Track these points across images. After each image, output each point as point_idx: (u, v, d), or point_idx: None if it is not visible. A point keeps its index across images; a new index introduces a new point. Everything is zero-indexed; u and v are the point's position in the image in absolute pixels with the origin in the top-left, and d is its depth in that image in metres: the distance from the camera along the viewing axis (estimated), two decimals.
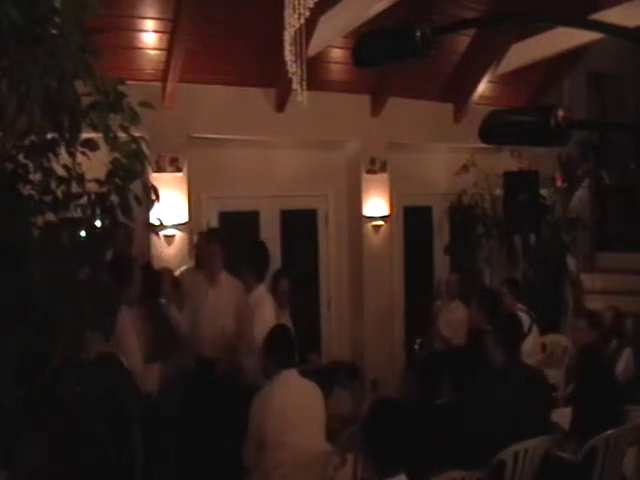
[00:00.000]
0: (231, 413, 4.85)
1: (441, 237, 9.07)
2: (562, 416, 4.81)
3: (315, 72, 6.21)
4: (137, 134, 2.96)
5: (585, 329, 5.01)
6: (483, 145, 3.46)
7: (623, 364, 5.84)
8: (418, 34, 1.93)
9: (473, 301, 6.22)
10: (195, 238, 6.38)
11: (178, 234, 6.66)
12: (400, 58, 2.20)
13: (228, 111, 6.91)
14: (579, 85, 9.39)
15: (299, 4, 4.53)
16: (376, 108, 7.93)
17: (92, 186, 2.92)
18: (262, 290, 5.47)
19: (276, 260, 6.95)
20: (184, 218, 6.69)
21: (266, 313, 5.32)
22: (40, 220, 2.82)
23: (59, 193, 2.86)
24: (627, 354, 5.96)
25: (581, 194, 9.19)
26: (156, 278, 5.31)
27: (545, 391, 4.68)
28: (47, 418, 2.86)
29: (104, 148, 2.87)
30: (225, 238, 5.89)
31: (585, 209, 9.27)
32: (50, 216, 2.85)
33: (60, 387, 2.81)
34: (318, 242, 8.12)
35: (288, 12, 4.61)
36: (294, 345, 4.50)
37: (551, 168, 8.93)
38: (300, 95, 4.94)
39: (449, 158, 8.82)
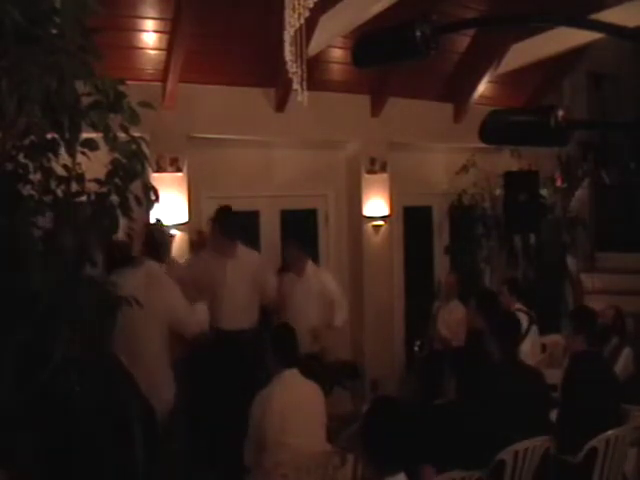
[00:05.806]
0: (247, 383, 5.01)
1: (441, 237, 9.06)
2: None
3: (315, 72, 6.21)
4: (137, 134, 2.96)
5: (570, 332, 4.97)
6: (483, 145, 3.46)
7: (622, 364, 5.84)
8: (418, 34, 1.92)
9: (472, 301, 6.22)
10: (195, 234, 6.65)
11: (178, 234, 6.65)
12: (400, 58, 2.19)
13: (228, 111, 6.91)
14: (579, 85, 9.39)
15: (299, 4, 4.51)
16: (376, 108, 7.92)
17: (92, 186, 2.92)
18: (312, 264, 6.60)
19: (276, 260, 6.96)
20: (184, 218, 6.68)
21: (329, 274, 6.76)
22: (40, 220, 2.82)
23: (59, 193, 2.86)
24: (627, 353, 5.96)
25: (581, 194, 9.19)
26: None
27: (543, 391, 4.67)
28: (47, 418, 2.85)
29: (104, 148, 2.87)
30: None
31: (585, 209, 9.27)
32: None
33: (60, 387, 2.81)
34: (318, 242, 8.12)
35: (288, 12, 4.59)
36: (297, 345, 4.50)
37: (551, 168, 8.93)
38: (300, 95, 4.92)
39: (449, 158, 8.82)
